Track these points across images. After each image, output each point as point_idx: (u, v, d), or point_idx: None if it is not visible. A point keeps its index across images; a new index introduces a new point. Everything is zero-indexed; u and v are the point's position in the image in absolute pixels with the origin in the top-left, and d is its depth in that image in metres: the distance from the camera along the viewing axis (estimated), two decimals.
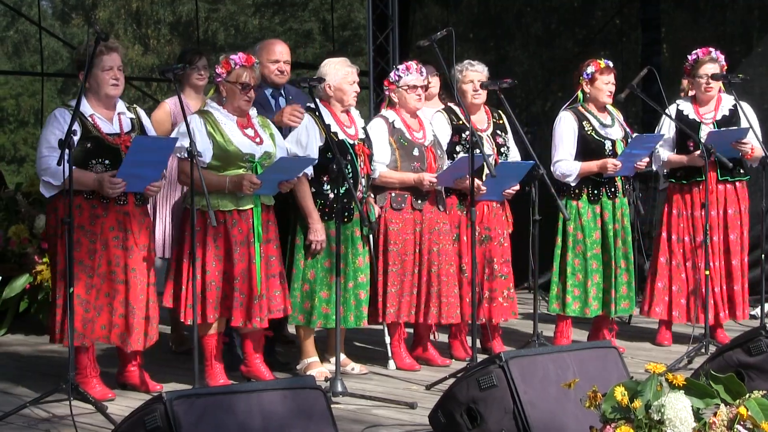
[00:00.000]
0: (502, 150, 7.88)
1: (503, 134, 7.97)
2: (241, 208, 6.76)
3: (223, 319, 6.86)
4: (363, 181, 7.24)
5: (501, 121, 8.05)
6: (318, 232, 7.09)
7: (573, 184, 8.00)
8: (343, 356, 7.22)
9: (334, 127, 7.19)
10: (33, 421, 6.05)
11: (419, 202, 7.50)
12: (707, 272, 7.95)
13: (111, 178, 6.39)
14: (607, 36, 11.70)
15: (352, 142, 7.22)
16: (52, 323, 6.54)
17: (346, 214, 7.14)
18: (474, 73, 7.86)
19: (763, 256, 8.07)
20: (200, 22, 23.44)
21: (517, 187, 7.84)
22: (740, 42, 10.72)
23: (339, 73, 7.28)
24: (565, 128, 8.04)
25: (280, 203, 7.12)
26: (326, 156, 7.05)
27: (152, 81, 24.66)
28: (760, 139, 8.11)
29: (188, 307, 6.66)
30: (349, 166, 7.11)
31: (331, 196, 7.13)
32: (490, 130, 7.93)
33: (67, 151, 5.98)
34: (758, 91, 10.11)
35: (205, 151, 6.65)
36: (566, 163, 7.99)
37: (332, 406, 5.07)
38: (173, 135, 6.77)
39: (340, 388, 6.50)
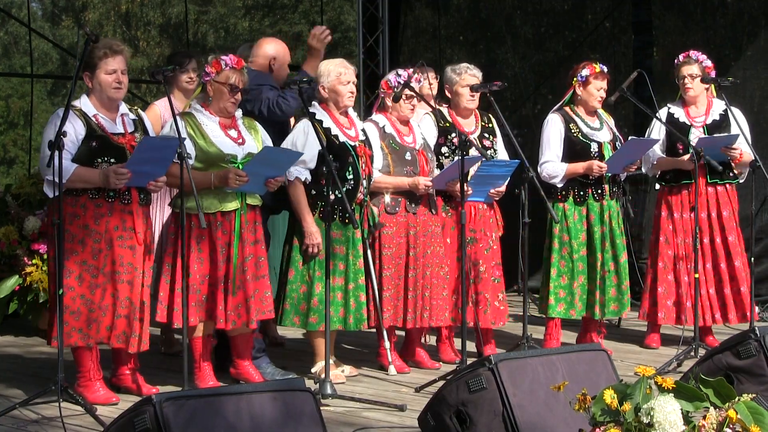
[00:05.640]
0: (488, 153, 7.86)
1: (491, 137, 7.97)
2: (225, 210, 6.74)
3: (211, 322, 6.84)
4: (364, 182, 7.23)
5: (490, 125, 8.04)
6: (312, 235, 7.05)
7: (559, 186, 8.02)
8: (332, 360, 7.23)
9: (335, 130, 7.18)
10: (22, 423, 6.03)
11: (413, 206, 7.49)
12: (696, 275, 7.97)
13: (117, 168, 6.35)
14: (598, 39, 11.71)
15: (353, 143, 7.21)
16: (51, 325, 6.49)
17: (347, 216, 7.09)
18: (472, 78, 7.85)
19: (752, 259, 8.09)
20: (190, 25, 23.37)
21: (503, 189, 7.84)
22: (730, 46, 10.74)
23: (332, 74, 7.25)
24: (552, 130, 8.06)
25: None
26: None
27: (142, 83, 24.63)
28: (750, 144, 8.13)
29: (173, 310, 6.68)
30: (350, 168, 7.11)
31: (332, 197, 7.06)
32: (478, 132, 7.92)
33: (61, 152, 5.97)
34: (748, 95, 10.13)
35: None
36: (553, 165, 8.01)
37: (321, 408, 5.07)
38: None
39: (329, 390, 6.50)
